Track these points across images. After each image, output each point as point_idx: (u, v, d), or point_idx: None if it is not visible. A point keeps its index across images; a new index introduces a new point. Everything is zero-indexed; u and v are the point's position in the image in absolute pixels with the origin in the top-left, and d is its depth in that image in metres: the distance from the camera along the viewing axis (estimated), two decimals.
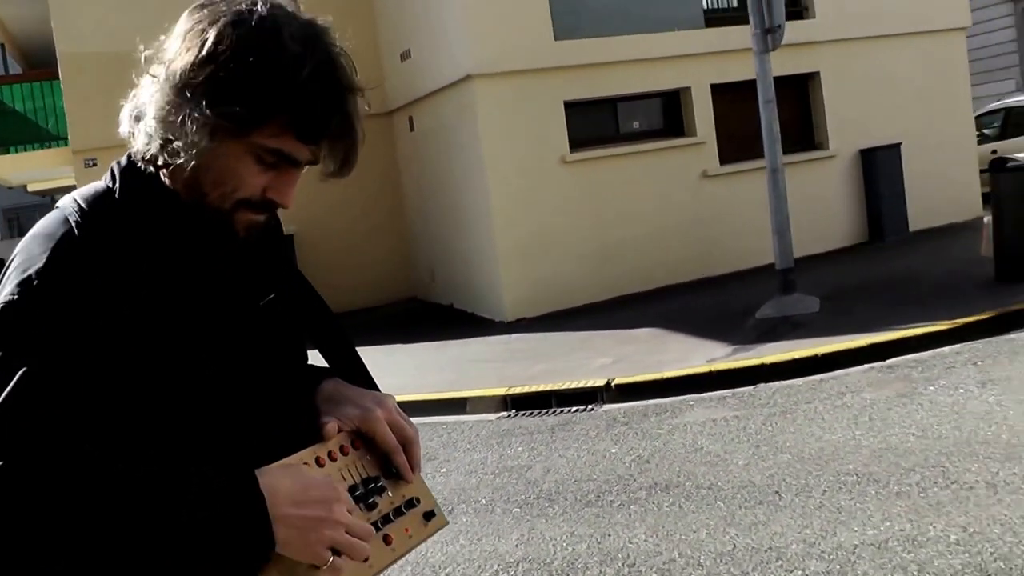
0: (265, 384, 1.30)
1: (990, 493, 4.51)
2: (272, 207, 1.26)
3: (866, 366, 7.23)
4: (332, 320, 1.44)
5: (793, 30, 11.67)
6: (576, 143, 10.70)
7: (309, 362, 1.44)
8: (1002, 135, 15.30)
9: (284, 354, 1.36)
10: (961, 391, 6.16)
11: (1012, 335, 7.31)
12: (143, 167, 1.25)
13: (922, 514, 4.41)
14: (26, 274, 1.16)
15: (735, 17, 11.20)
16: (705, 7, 11.27)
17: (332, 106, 1.20)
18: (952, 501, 4.49)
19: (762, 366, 7.56)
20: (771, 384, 7.24)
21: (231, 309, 1.29)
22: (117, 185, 1.25)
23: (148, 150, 1.22)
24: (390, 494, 1.31)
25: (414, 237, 13.02)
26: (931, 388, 6.36)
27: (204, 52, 1.17)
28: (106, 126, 1.43)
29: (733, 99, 11.14)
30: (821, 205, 11.83)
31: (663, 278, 10.88)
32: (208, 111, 1.16)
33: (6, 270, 1.20)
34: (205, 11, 1.21)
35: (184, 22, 1.22)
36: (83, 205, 1.22)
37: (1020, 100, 16.15)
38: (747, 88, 11.52)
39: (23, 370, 1.09)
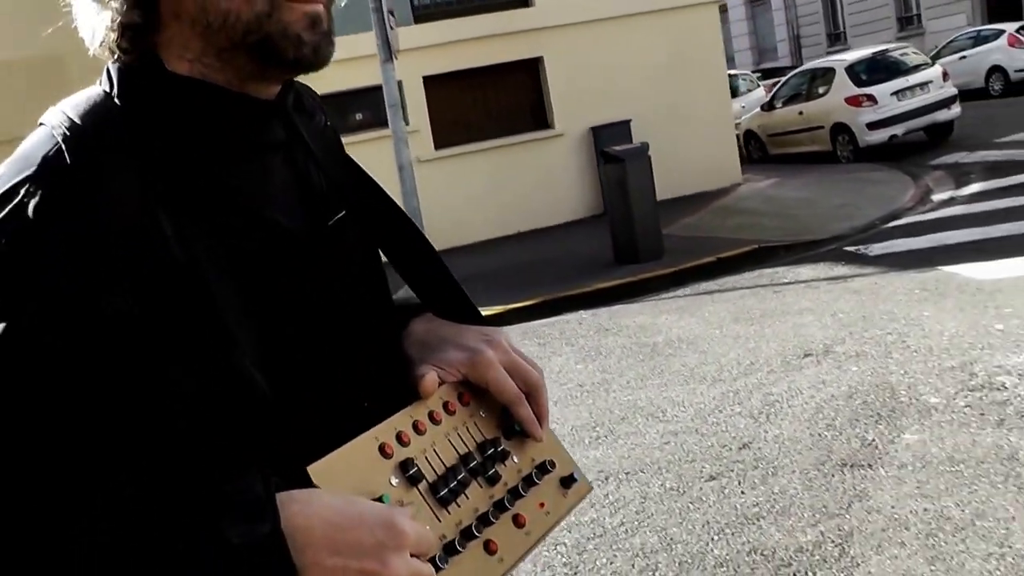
0: (341, 332, 0.98)
1: None
2: None
3: None
4: (421, 241, 1.11)
5: (517, 18, 12.85)
6: None
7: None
8: (807, 96, 16.06)
9: (363, 289, 1.05)
10: None
11: (539, 321, 8.50)
12: (132, 51, 0.91)
13: None
14: None
15: (445, 12, 12.37)
16: (415, 3, 12.43)
17: None
18: None
19: None
20: None
21: (291, 234, 0.95)
22: (115, 85, 0.90)
23: (120, 17, 0.89)
24: (515, 459, 1.02)
25: None
26: None
27: None
28: None
29: (446, 89, 12.35)
30: (552, 181, 13.03)
31: None
32: None
33: None
34: None
35: None
36: (74, 118, 0.87)
37: (826, 61, 16.79)
38: (460, 77, 12.76)
39: None
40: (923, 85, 14.75)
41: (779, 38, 34.17)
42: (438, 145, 12.33)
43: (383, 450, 0.90)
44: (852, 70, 15.08)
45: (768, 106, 17.21)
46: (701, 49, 13.71)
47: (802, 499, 4.05)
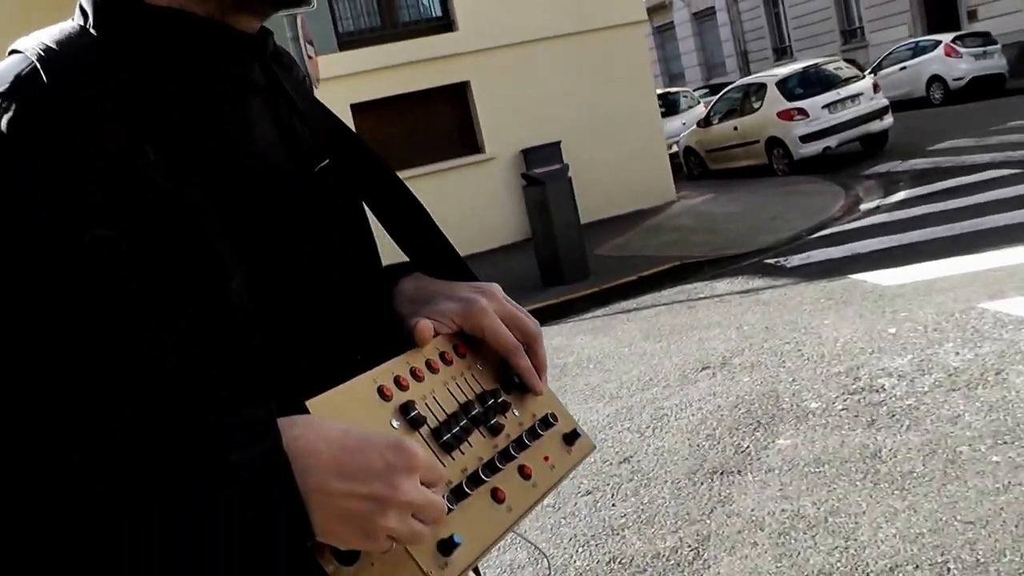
0: (328, 281, 0.95)
1: None
2: None
3: None
4: (408, 197, 1.08)
5: (442, 43, 13.04)
6: None
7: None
8: (742, 112, 16.38)
9: (350, 241, 1.02)
10: None
11: None
12: None
13: None
14: None
15: (370, 39, 12.55)
16: (339, 31, 12.60)
17: None
18: None
19: None
20: None
21: (276, 175, 0.93)
22: (90, 17, 0.89)
23: None
24: (516, 412, 0.99)
25: None
26: None
27: None
28: None
29: (375, 116, 12.50)
30: (485, 205, 13.18)
31: None
32: None
33: None
34: None
35: None
36: (49, 43, 0.86)
37: (758, 77, 17.14)
38: (389, 104, 12.92)
39: None
40: (854, 97, 15.09)
41: (727, 53, 34.72)
42: None
43: (382, 392, 0.88)
44: (783, 85, 15.42)
45: (705, 122, 17.53)
46: (629, 68, 13.96)
47: (668, 508, 4.17)
